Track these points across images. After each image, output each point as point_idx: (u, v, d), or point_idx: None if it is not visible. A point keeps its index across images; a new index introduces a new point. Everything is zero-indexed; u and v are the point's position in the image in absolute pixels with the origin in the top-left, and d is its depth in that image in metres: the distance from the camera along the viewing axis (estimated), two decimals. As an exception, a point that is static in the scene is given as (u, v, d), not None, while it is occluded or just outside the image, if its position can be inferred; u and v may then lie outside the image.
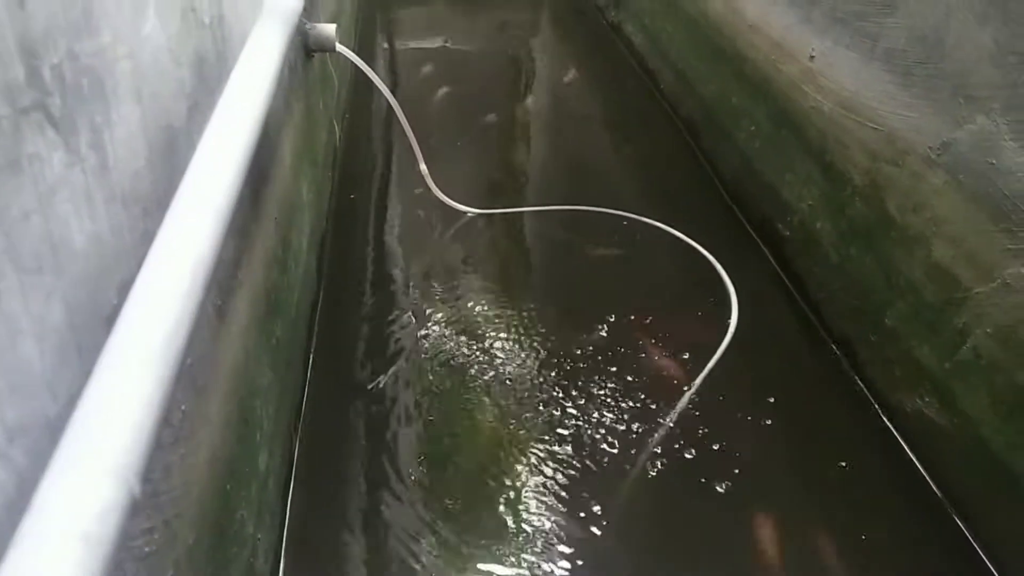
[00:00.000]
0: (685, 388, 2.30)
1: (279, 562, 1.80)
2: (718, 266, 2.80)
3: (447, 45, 4.86)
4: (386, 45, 5.06)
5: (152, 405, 0.71)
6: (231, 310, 1.50)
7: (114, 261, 0.93)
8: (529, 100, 4.15)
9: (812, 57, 2.53)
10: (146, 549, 0.96)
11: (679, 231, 2.99)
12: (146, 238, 1.02)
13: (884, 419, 2.22)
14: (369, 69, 2.65)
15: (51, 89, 0.77)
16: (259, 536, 1.64)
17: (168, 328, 0.79)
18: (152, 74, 1.09)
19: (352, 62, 2.68)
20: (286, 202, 2.13)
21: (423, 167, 2.95)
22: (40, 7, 0.76)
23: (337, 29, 2.54)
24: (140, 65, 1.04)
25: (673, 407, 2.24)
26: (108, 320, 0.88)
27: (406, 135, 2.89)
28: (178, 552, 1.11)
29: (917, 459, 2.10)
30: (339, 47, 2.56)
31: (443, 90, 4.18)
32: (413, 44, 5.01)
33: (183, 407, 1.16)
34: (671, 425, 2.18)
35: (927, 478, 2.05)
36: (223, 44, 1.50)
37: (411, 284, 2.75)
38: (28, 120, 0.73)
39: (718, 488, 2.02)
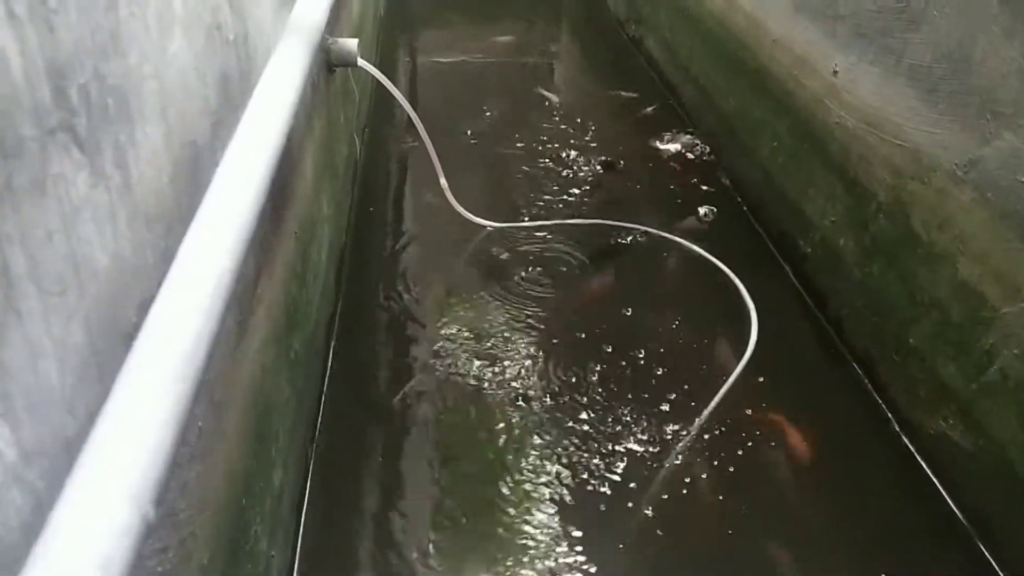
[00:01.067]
0: (705, 402, 2.27)
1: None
2: (738, 283, 2.77)
3: (467, 61, 4.88)
4: (408, 59, 5.10)
5: (169, 426, 0.71)
6: (250, 325, 1.50)
7: (135, 279, 0.93)
8: (549, 112, 4.15)
9: (835, 72, 2.51)
10: (159, 569, 0.96)
11: (699, 246, 2.97)
12: (168, 256, 1.02)
13: (905, 440, 2.18)
14: (391, 84, 2.67)
15: (78, 110, 0.78)
16: (273, 553, 1.63)
17: (187, 347, 0.79)
18: (177, 92, 1.09)
19: (373, 76, 2.69)
20: (306, 217, 2.14)
21: (443, 181, 2.96)
22: (69, 30, 0.76)
23: (359, 44, 2.55)
24: (166, 84, 1.05)
25: (691, 424, 2.21)
26: (128, 338, 0.89)
27: (427, 149, 2.90)
28: (191, 571, 1.10)
29: (939, 481, 2.06)
30: (361, 62, 2.58)
31: (464, 106, 4.20)
32: (434, 59, 5.04)
33: (200, 424, 1.16)
34: (688, 442, 2.16)
35: (949, 501, 2.01)
36: (247, 61, 1.51)
37: (429, 298, 2.75)
38: (54, 141, 0.73)
39: (731, 508, 1.99)
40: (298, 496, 1.95)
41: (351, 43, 2.52)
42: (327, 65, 2.55)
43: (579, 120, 4.02)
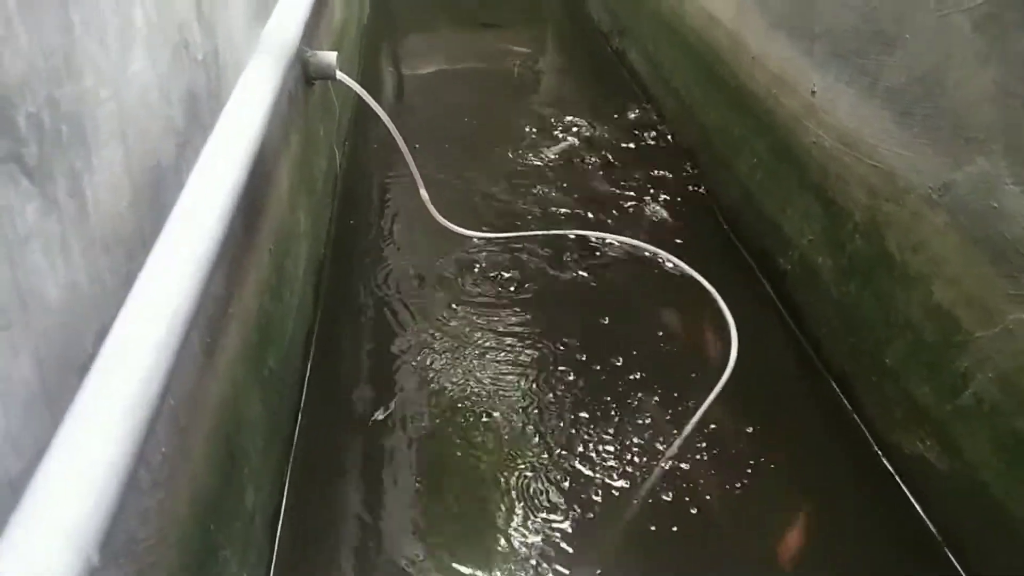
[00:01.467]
0: (682, 422, 2.26)
1: (264, 600, 1.77)
2: (719, 299, 2.78)
3: (450, 70, 4.88)
4: (391, 69, 5.08)
5: (119, 462, 0.69)
6: (220, 345, 1.48)
7: (92, 308, 0.91)
8: (531, 124, 4.15)
9: (813, 92, 2.52)
10: (116, 604, 0.93)
11: (679, 259, 2.97)
12: (129, 281, 1.00)
13: (883, 460, 2.19)
14: (369, 97, 2.65)
15: (26, 138, 0.76)
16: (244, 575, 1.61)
17: (141, 378, 0.77)
18: (139, 113, 1.08)
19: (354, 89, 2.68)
20: (281, 231, 2.12)
21: (424, 193, 2.94)
22: (17, 55, 0.75)
23: (338, 57, 2.54)
24: (125, 105, 1.03)
25: (670, 443, 2.21)
26: (82, 369, 0.87)
27: (407, 161, 2.88)
28: (152, 602, 1.08)
29: (916, 501, 2.06)
30: (340, 75, 2.56)
31: (447, 115, 4.20)
32: (418, 71, 5.03)
33: (163, 449, 1.14)
34: (667, 460, 2.15)
35: (926, 520, 2.01)
36: (217, 80, 1.49)
37: (410, 311, 2.73)
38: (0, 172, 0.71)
39: (705, 526, 1.98)
40: (272, 516, 1.93)
41: (330, 56, 2.51)
42: (305, 78, 2.54)
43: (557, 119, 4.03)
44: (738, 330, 2.62)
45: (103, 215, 0.96)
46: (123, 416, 0.74)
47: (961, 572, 1.89)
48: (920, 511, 2.04)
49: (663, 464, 2.14)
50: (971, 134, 1.79)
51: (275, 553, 1.88)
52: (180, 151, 1.25)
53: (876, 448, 2.22)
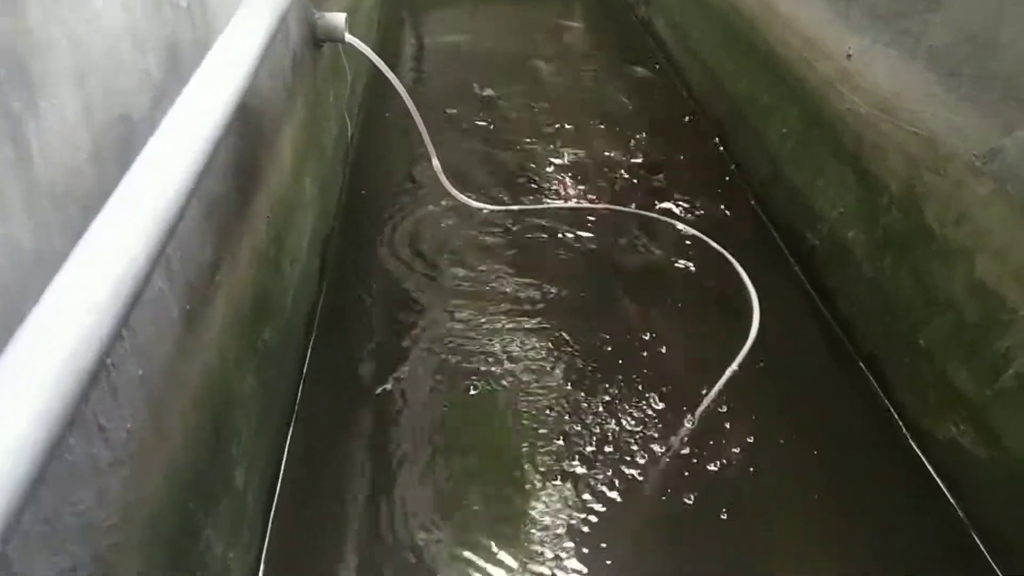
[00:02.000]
0: (697, 402, 2.15)
1: (257, 581, 1.71)
2: (742, 272, 2.65)
3: (473, 40, 4.74)
4: (413, 40, 4.95)
5: (28, 450, 0.60)
6: (204, 315, 1.40)
7: (36, 266, 0.83)
8: (554, 96, 4.01)
9: (849, 56, 2.36)
10: (62, 590, 0.86)
11: (704, 234, 2.84)
12: (84, 240, 0.91)
13: (914, 446, 2.06)
14: (380, 61, 2.54)
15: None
16: (231, 556, 1.54)
17: (68, 350, 0.68)
18: (102, 61, 0.98)
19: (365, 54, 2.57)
20: (282, 199, 2.03)
21: (436, 163, 2.84)
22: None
23: (347, 19, 2.43)
24: (85, 50, 0.94)
25: (682, 424, 2.10)
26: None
27: (420, 130, 2.78)
28: (114, 586, 1.01)
29: (948, 491, 1.94)
30: (349, 37, 2.46)
31: (467, 87, 4.07)
32: (439, 39, 4.89)
33: (128, 425, 1.06)
34: (679, 444, 2.04)
35: (959, 511, 1.89)
36: (205, 31, 1.39)
37: (420, 284, 2.64)
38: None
39: (723, 513, 1.88)
40: (267, 494, 1.86)
41: (338, 17, 2.40)
42: (313, 40, 2.44)
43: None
44: (763, 307, 2.50)
45: (53, 165, 0.87)
46: (41, 396, 0.65)
47: (993, 563, 1.77)
48: (952, 501, 1.91)
49: (673, 445, 2.03)
50: (1023, 95, 1.64)
51: (269, 532, 1.81)
52: (156, 105, 1.15)
53: (906, 433, 2.09)
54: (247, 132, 1.69)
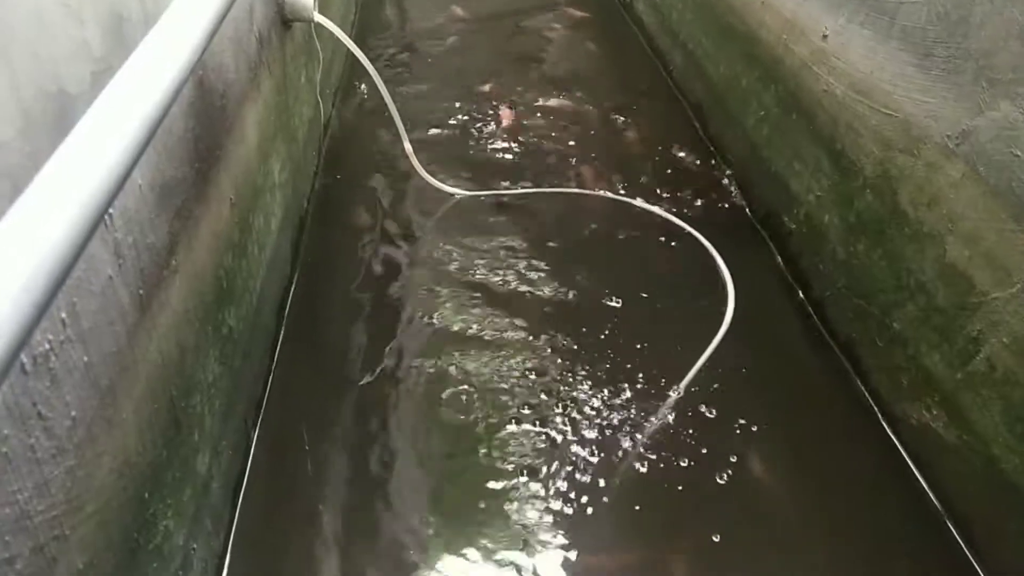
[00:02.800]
0: (672, 388, 2.14)
1: (221, 570, 1.68)
2: (717, 256, 2.63)
3: (456, 20, 4.67)
4: (396, 20, 4.88)
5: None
6: (160, 300, 1.36)
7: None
8: (536, 79, 3.96)
9: (825, 36, 2.34)
10: (-4, 585, 0.83)
11: (679, 218, 2.82)
12: (17, 221, 0.87)
13: (888, 430, 2.06)
14: (350, 40, 2.50)
15: None
16: (194, 546, 1.51)
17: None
18: (30, 31, 0.94)
19: (337, 34, 2.52)
20: (247, 182, 1.98)
21: (408, 147, 2.80)
22: None
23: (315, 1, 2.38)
24: (7, 19, 0.89)
25: (659, 406, 2.09)
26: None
27: (392, 113, 2.74)
28: (57, 579, 0.98)
29: (921, 475, 1.94)
30: (318, 17, 2.40)
31: (448, 66, 4.02)
32: (420, 24, 4.82)
33: (73, 413, 1.02)
34: (654, 426, 2.03)
35: (931, 496, 1.89)
36: (154, 3, 1.34)
37: (396, 268, 2.60)
38: None
39: (700, 499, 1.87)
40: (234, 482, 1.83)
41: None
42: (281, 20, 2.38)
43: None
44: (737, 290, 2.48)
45: (-24, 143, 0.83)
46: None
47: (965, 549, 1.77)
48: (924, 483, 1.92)
49: (649, 428, 2.02)
50: (996, 75, 1.62)
51: (236, 520, 1.78)
52: (97, 79, 1.11)
53: (880, 418, 2.09)
54: (207, 113, 1.65)
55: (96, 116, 0.95)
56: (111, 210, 1.12)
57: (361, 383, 2.16)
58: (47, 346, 0.95)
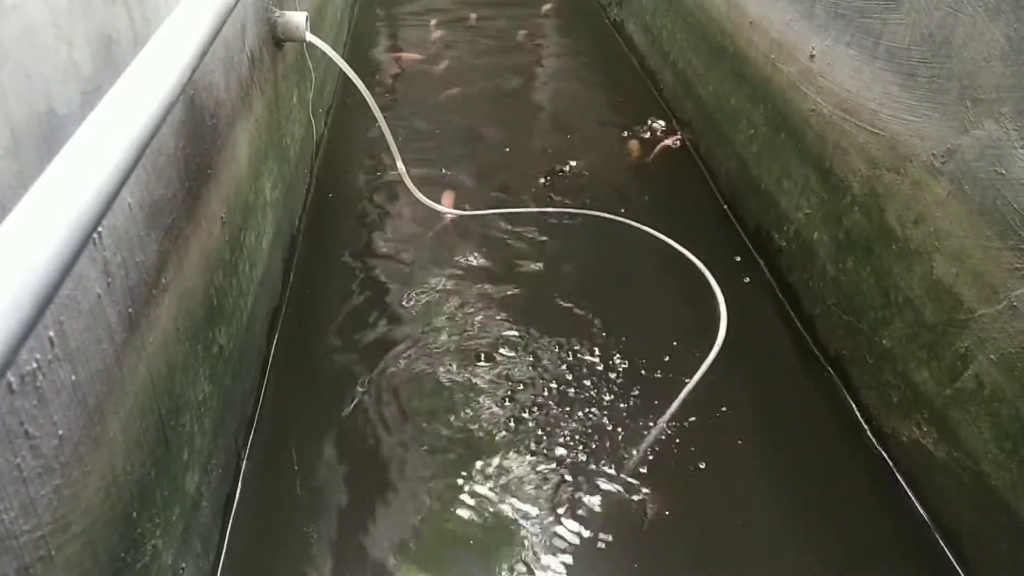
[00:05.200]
0: (664, 407, 2.14)
1: (210, 591, 1.67)
2: (708, 275, 2.65)
3: (447, 43, 4.71)
4: (386, 30, 4.91)
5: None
6: (149, 318, 1.36)
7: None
8: (528, 96, 4.00)
9: (812, 56, 2.37)
10: (-21, 606, 0.82)
11: (670, 237, 2.84)
12: (6, 240, 0.88)
13: (877, 446, 2.06)
14: (342, 60, 2.52)
15: None
16: (183, 565, 1.50)
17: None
18: (19, 52, 0.94)
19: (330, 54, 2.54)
20: (239, 200, 1.99)
21: (401, 166, 2.81)
22: None
23: (307, 18, 2.40)
24: None
25: (653, 423, 2.09)
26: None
27: (397, 134, 2.75)
28: (42, 600, 0.97)
29: (912, 492, 1.94)
30: (310, 36, 2.42)
31: (441, 92, 4.04)
32: (411, 41, 4.86)
33: (60, 432, 1.02)
34: (647, 443, 2.03)
35: (922, 513, 1.89)
36: (144, 24, 1.36)
37: (387, 289, 2.61)
38: None
39: (688, 517, 1.87)
40: (224, 501, 1.82)
41: (298, 16, 2.37)
42: (274, 40, 2.40)
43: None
44: (730, 309, 2.50)
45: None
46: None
47: (956, 565, 1.77)
48: (915, 500, 1.92)
49: (640, 452, 2.02)
50: (979, 95, 1.64)
51: (227, 539, 1.77)
52: (87, 100, 1.12)
53: (870, 434, 2.09)
54: (198, 132, 1.65)
55: (85, 136, 0.95)
56: (100, 229, 1.12)
57: (353, 402, 2.16)
58: (34, 365, 0.95)
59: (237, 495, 1.89)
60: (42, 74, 1.00)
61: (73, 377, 1.06)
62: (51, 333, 0.99)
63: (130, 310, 1.27)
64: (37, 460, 0.97)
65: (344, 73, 2.56)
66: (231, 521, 1.83)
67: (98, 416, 1.15)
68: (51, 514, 1.00)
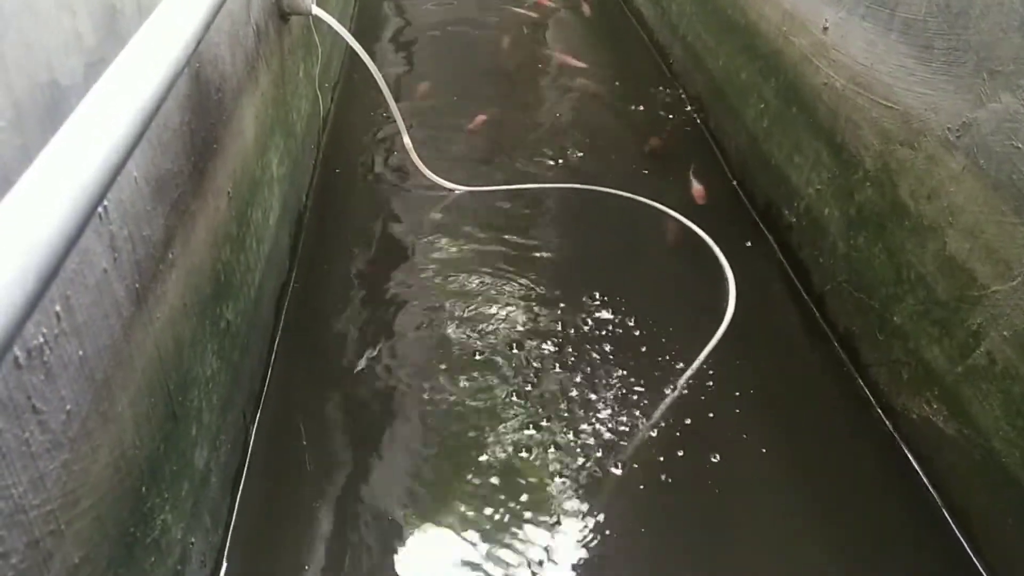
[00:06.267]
0: (671, 383, 2.13)
1: (220, 565, 1.68)
2: (717, 251, 2.63)
3: (454, 16, 4.66)
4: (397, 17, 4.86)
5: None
6: (157, 293, 1.36)
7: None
8: (535, 78, 3.95)
9: (825, 28, 2.33)
10: (-9, 579, 0.82)
11: (679, 212, 2.81)
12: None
13: (887, 424, 2.05)
14: (348, 34, 2.49)
15: None
16: (192, 540, 1.51)
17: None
18: (20, 22, 0.93)
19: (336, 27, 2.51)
20: (245, 176, 1.98)
21: (407, 140, 2.79)
22: None
23: (313, -9, 2.37)
24: None
25: (660, 400, 2.08)
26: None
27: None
28: (54, 573, 0.97)
29: (921, 469, 1.93)
30: (316, 10, 2.40)
31: (443, 68, 4.00)
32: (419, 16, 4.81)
33: (68, 407, 1.02)
34: (655, 420, 2.02)
35: (931, 491, 1.89)
36: (149, -4, 1.34)
37: (395, 262, 2.60)
38: None
39: (697, 495, 1.87)
40: (233, 476, 1.83)
41: (305, -10, 2.34)
42: (279, 12, 2.37)
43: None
44: (738, 284, 2.48)
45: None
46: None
47: (965, 544, 1.77)
48: (924, 478, 1.91)
49: (648, 423, 2.01)
50: (996, 67, 1.61)
51: (234, 514, 1.78)
52: (90, 71, 1.10)
53: (879, 411, 2.08)
54: (203, 106, 1.64)
55: (89, 108, 0.94)
56: (105, 203, 1.11)
57: (359, 376, 2.16)
58: (41, 339, 0.94)
59: (245, 470, 1.90)
60: (44, 44, 0.98)
61: (80, 352, 1.06)
62: (57, 307, 0.99)
63: (137, 285, 1.26)
64: (45, 435, 0.97)
65: (350, 47, 2.53)
66: (240, 496, 1.84)
67: (106, 391, 1.15)
68: (60, 489, 1.00)
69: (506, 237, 2.71)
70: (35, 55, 0.96)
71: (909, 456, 1.97)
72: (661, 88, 3.79)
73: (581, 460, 1.93)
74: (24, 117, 0.93)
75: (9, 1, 0.90)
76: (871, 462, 2.00)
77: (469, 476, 1.89)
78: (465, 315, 2.36)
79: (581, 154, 3.21)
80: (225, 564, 1.69)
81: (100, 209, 0.93)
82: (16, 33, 0.91)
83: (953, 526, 1.80)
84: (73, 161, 0.85)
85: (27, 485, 0.92)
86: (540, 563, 1.71)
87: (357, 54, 2.54)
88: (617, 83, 3.82)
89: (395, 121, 2.77)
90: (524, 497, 1.84)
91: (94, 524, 1.10)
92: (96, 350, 1.11)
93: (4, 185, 0.84)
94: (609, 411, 2.06)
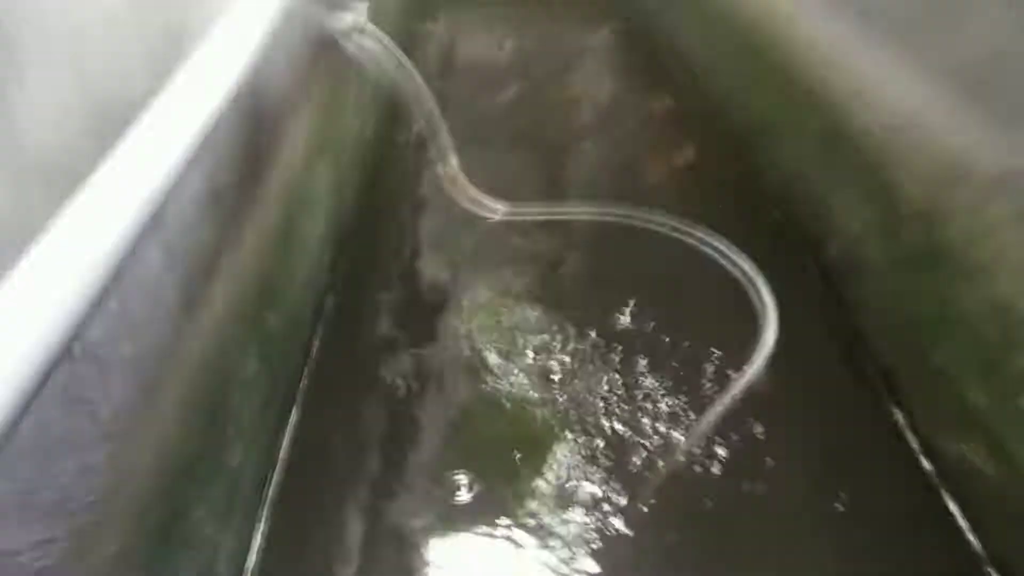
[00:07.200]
0: (705, 410, 2.12)
1: (247, 562, 1.71)
2: (760, 282, 2.60)
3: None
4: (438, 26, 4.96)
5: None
6: (205, 297, 1.41)
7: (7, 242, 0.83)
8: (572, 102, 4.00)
9: (868, 73, 2.31)
10: (36, 565, 0.86)
11: (724, 242, 2.80)
12: (74, 217, 0.92)
13: (924, 462, 2.01)
14: (400, 52, 2.55)
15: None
16: (223, 538, 1.55)
17: (39, 322, 0.68)
18: (100, 43, 0.99)
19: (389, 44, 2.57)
20: (293, 189, 2.04)
21: (453, 162, 2.83)
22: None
23: (369, 8, 2.44)
24: (82, 29, 0.94)
25: (697, 425, 2.07)
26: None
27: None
28: (92, 563, 1.01)
29: (960, 513, 1.88)
30: (369, 30, 2.46)
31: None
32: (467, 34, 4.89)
33: (117, 401, 1.06)
34: (691, 444, 2.02)
35: (966, 531, 1.84)
36: (210, 17, 1.40)
37: (434, 283, 2.64)
38: None
39: (729, 527, 1.85)
40: (264, 475, 1.87)
41: (360, 9, 2.41)
42: (331, 36, 2.44)
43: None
44: (780, 317, 2.45)
45: (40, 140, 0.87)
46: (13, 359, 0.65)
47: (1001, 588, 1.72)
48: (961, 521, 1.86)
49: (684, 446, 2.01)
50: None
51: (266, 513, 1.81)
52: (156, 85, 1.16)
53: (918, 450, 2.04)
54: (258, 121, 1.70)
55: (152, 121, 0.99)
56: (164, 212, 1.16)
57: (391, 386, 2.19)
58: (97, 337, 0.99)
59: (277, 470, 1.93)
60: (120, 62, 1.04)
61: (132, 350, 1.10)
62: (114, 306, 1.03)
63: (189, 290, 1.31)
64: (94, 427, 1.01)
65: (397, 71, 2.59)
66: (271, 495, 1.87)
67: (153, 389, 1.19)
68: (104, 479, 1.04)
69: (547, 255, 2.73)
70: (111, 73, 1.01)
71: (945, 496, 1.92)
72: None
73: (610, 471, 1.93)
74: (94, 129, 0.98)
75: (91, 21, 0.96)
76: (907, 500, 1.95)
77: (503, 490, 1.91)
78: (499, 323, 2.38)
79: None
80: (255, 561, 1.72)
81: (158, 217, 0.97)
82: (96, 52, 0.97)
83: (988, 567, 1.75)
84: (135, 171, 0.90)
85: (74, 474, 0.97)
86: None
87: (403, 78, 2.59)
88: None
89: (442, 143, 2.81)
90: (544, 509, 1.85)
91: (133, 516, 1.14)
92: (146, 349, 1.16)
93: (72, 191, 0.89)
94: (648, 435, 2.06)
